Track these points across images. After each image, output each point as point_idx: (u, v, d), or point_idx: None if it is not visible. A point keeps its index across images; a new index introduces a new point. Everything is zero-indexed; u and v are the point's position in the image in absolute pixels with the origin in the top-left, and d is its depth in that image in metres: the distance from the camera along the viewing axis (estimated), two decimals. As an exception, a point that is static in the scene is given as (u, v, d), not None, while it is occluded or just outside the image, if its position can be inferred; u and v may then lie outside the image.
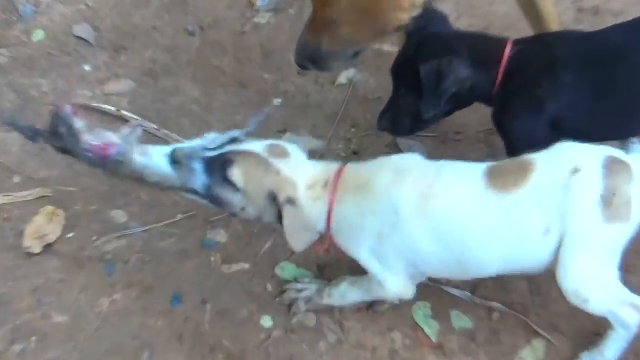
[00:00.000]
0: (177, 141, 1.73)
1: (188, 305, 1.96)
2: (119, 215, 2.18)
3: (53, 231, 2.12)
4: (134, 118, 2.40)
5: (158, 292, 1.99)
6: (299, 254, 1.99)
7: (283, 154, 1.62)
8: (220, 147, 1.62)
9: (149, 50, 2.73)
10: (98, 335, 1.90)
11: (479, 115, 1.99)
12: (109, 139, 1.58)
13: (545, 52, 1.79)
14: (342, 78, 2.54)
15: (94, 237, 2.11)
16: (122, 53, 2.72)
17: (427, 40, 1.83)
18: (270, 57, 2.66)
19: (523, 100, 1.79)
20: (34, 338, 1.89)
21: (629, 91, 1.74)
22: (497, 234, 1.56)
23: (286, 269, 2.00)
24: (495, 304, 1.87)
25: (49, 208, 2.18)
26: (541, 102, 1.76)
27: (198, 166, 1.57)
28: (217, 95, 2.54)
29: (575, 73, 1.74)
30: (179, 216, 2.16)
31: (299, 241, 1.60)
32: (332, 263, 1.97)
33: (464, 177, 1.60)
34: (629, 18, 1.83)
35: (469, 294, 1.89)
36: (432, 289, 1.90)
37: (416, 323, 1.87)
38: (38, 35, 2.78)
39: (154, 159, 1.58)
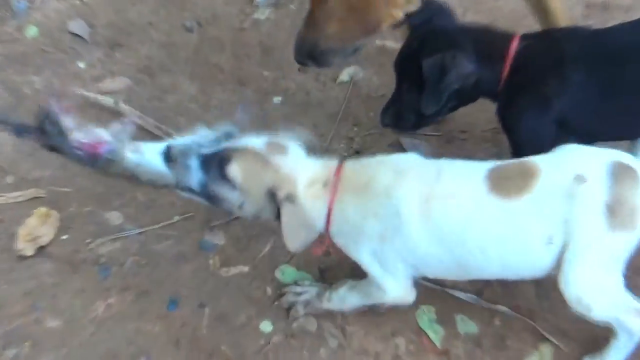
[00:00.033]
0: (172, 138, 1.72)
1: (185, 310, 1.95)
2: (114, 217, 2.17)
3: (47, 233, 2.11)
4: (133, 111, 2.40)
5: (154, 296, 1.98)
6: (300, 257, 1.99)
7: (282, 150, 1.61)
8: (215, 143, 1.61)
9: (145, 47, 2.72)
10: (93, 340, 1.90)
11: (486, 113, 1.99)
12: (100, 136, 1.56)
13: (554, 48, 1.79)
14: (344, 75, 2.54)
15: (89, 240, 2.11)
16: (117, 50, 2.72)
17: (431, 34, 1.83)
18: (270, 54, 2.66)
19: (529, 97, 1.79)
20: (27, 343, 1.89)
21: (639, 91, 1.74)
22: (498, 239, 1.56)
23: (286, 273, 1.99)
24: (502, 308, 1.87)
25: (43, 209, 2.18)
26: (548, 99, 1.76)
27: (194, 163, 1.56)
28: (216, 93, 2.54)
29: (584, 71, 1.74)
30: (176, 218, 2.16)
31: (296, 240, 1.60)
32: (334, 266, 1.97)
33: (465, 178, 1.60)
34: (640, 14, 1.82)
35: (475, 297, 1.89)
36: (437, 293, 1.90)
37: (420, 328, 1.86)
38: (31, 31, 2.78)
39: (147, 156, 1.57)
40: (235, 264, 2.04)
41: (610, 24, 1.88)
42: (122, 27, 2.80)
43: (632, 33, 1.78)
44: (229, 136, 1.64)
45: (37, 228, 2.12)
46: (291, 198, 1.56)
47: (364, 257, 1.65)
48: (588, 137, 1.63)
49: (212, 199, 1.62)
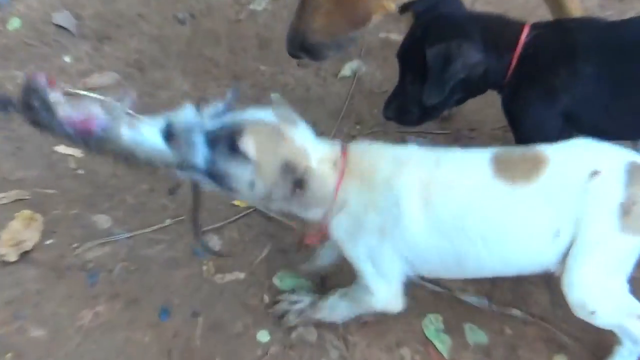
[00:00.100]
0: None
1: (178, 319, 1.95)
2: (102, 221, 2.17)
3: (30, 238, 2.11)
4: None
5: (145, 304, 1.98)
6: (297, 264, 1.98)
7: (292, 121, 1.59)
8: (215, 118, 1.56)
9: (135, 40, 2.73)
10: (79, 351, 1.89)
11: (495, 110, 1.99)
12: (92, 111, 1.50)
13: (565, 38, 1.79)
14: (346, 70, 2.54)
15: (75, 244, 2.11)
16: (105, 43, 2.72)
17: (436, 22, 1.83)
18: (268, 48, 2.66)
19: (537, 88, 1.80)
20: (9, 355, 1.89)
21: None
22: (501, 227, 1.56)
23: (285, 279, 1.99)
24: (516, 312, 1.87)
25: (26, 212, 2.18)
26: (556, 91, 1.77)
27: (199, 138, 1.51)
28: (210, 89, 2.54)
29: (596, 64, 1.74)
30: (168, 221, 2.16)
31: (318, 211, 1.60)
32: (337, 273, 1.96)
33: (467, 163, 1.61)
34: (659, 4, 1.83)
35: (486, 301, 1.89)
36: (444, 300, 1.90)
37: (427, 338, 1.86)
38: (14, 23, 2.79)
39: (145, 133, 1.52)
40: (231, 270, 2.04)
41: (628, 16, 1.88)
42: (110, 18, 2.80)
43: None
44: (229, 109, 1.58)
45: (20, 232, 2.12)
46: (310, 171, 1.54)
47: (359, 254, 1.65)
48: (594, 134, 1.63)
49: (219, 178, 1.56)
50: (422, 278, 1.89)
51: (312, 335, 1.88)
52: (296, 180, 1.52)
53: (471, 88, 1.88)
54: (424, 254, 1.62)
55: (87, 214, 2.19)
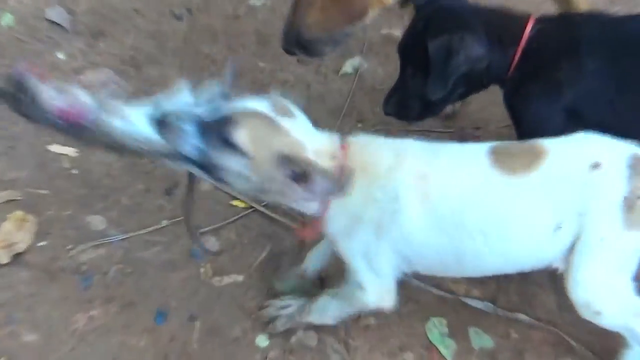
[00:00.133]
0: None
1: (174, 323, 1.95)
2: (96, 222, 2.17)
3: (23, 239, 2.11)
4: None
5: (141, 307, 1.98)
6: (297, 265, 1.99)
7: (289, 112, 1.57)
8: (209, 105, 1.54)
9: (130, 37, 2.73)
10: (73, 356, 1.89)
11: (501, 108, 1.99)
12: (79, 100, 1.50)
13: (571, 33, 1.80)
14: (347, 67, 2.54)
15: (69, 246, 2.11)
16: (100, 39, 2.72)
17: (437, 14, 1.84)
18: (267, 44, 2.66)
19: (540, 83, 1.80)
20: (1, 359, 1.89)
21: None
22: (500, 220, 1.56)
23: (284, 281, 1.99)
24: (521, 316, 1.87)
25: (19, 213, 2.18)
26: (560, 86, 1.78)
27: (191, 128, 1.49)
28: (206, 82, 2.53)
29: (601, 59, 1.75)
30: (164, 222, 2.16)
31: (316, 204, 1.59)
32: (337, 274, 1.96)
33: (466, 155, 1.61)
34: (670, 0, 1.83)
35: (491, 305, 1.89)
36: (448, 304, 1.90)
37: (431, 342, 1.86)
38: (6, 19, 2.78)
39: (134, 121, 1.51)
40: (229, 273, 2.04)
41: (637, 11, 1.88)
42: (104, 14, 2.80)
43: None
44: (224, 97, 1.57)
45: (12, 234, 2.12)
46: (311, 165, 1.51)
47: (353, 249, 1.65)
48: (599, 131, 1.63)
49: (210, 169, 1.54)
50: (425, 281, 1.90)
51: (312, 339, 1.88)
52: (296, 174, 1.51)
53: (474, 82, 1.88)
54: (422, 250, 1.62)
55: (81, 214, 2.19)
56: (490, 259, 1.61)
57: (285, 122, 1.53)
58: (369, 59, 2.54)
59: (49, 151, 2.31)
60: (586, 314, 1.57)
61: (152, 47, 2.69)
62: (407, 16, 1.98)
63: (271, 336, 1.90)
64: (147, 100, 1.53)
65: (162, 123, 1.49)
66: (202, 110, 1.52)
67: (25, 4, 2.83)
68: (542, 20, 1.83)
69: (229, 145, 1.49)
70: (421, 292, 1.88)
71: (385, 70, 2.50)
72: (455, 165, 1.59)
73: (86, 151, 2.28)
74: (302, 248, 2.01)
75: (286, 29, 1.89)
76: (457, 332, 1.87)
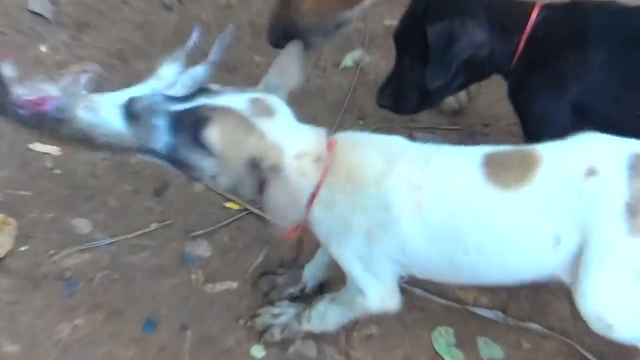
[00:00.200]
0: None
1: (164, 332, 1.95)
2: (81, 225, 2.17)
3: (3, 244, 2.11)
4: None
5: (128, 316, 1.98)
6: (295, 270, 1.98)
7: (269, 111, 1.57)
8: (187, 97, 1.55)
9: (117, 28, 2.72)
10: (57, 367, 1.90)
11: (510, 104, 1.99)
12: (46, 91, 1.51)
13: (577, 22, 1.81)
14: (348, 60, 2.54)
15: (52, 251, 2.10)
16: (85, 31, 2.72)
17: (437, 0, 1.83)
18: (262, 36, 2.64)
19: (545, 74, 1.81)
20: (-20, 371, 1.89)
21: None
22: (496, 236, 1.56)
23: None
24: (533, 325, 1.87)
25: (-2, 216, 2.18)
26: (564, 78, 1.78)
27: (162, 122, 1.50)
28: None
29: (608, 51, 1.75)
30: (154, 225, 2.16)
31: (288, 217, 1.56)
32: (336, 279, 1.96)
33: (458, 165, 1.60)
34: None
35: (501, 314, 1.89)
36: (455, 311, 1.89)
37: (437, 353, 1.86)
38: (-14, 10, 2.78)
39: (104, 113, 1.51)
40: (222, 279, 2.04)
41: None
42: (90, 4, 2.79)
43: None
44: (203, 90, 1.57)
45: (-8, 238, 2.12)
46: (277, 170, 1.52)
47: (346, 254, 1.65)
48: (606, 127, 1.63)
49: (180, 165, 1.57)
50: (431, 289, 1.90)
51: (311, 349, 1.87)
52: (260, 179, 1.51)
53: (474, 72, 1.89)
54: (417, 259, 1.62)
55: (65, 217, 2.18)
56: (488, 272, 1.62)
57: (262, 123, 1.53)
58: (371, 51, 2.54)
59: (31, 150, 2.31)
60: (598, 328, 1.56)
61: (140, 39, 2.68)
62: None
63: (267, 346, 1.89)
64: (121, 91, 1.54)
65: (132, 116, 1.50)
66: (175, 103, 1.52)
67: (6, -6, 2.83)
68: (548, 7, 1.83)
69: (199, 143, 1.50)
70: (426, 300, 1.88)
71: (388, 64, 2.47)
72: (448, 176, 1.58)
73: (70, 150, 2.27)
74: (300, 252, 2.01)
75: (273, 19, 1.89)
76: (465, 342, 1.87)
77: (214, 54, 1.70)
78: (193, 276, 2.05)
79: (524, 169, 1.53)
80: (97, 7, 2.79)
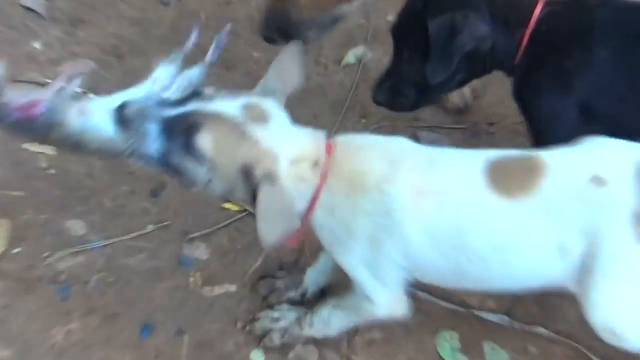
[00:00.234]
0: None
1: (161, 337, 1.95)
2: (76, 226, 2.17)
3: (-5, 246, 2.12)
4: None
5: (124, 320, 1.98)
6: (296, 273, 1.99)
7: (263, 117, 1.57)
8: (180, 102, 1.56)
9: (112, 24, 2.72)
10: (51, 373, 1.90)
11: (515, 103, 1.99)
12: (37, 95, 1.51)
13: (583, 17, 1.81)
14: (350, 57, 2.54)
15: (46, 253, 2.10)
16: (79, 27, 2.72)
17: None
18: (261, 32, 2.65)
19: (548, 72, 1.81)
20: (-28, 377, 1.89)
21: None
22: (499, 246, 1.56)
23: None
24: (541, 330, 1.87)
25: (-9, 217, 2.18)
26: (569, 77, 1.78)
27: (153, 128, 1.51)
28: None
29: (614, 48, 1.75)
30: (150, 227, 2.16)
31: (273, 231, 1.53)
32: (339, 284, 1.96)
33: (461, 170, 1.60)
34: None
35: (507, 318, 1.89)
36: (460, 315, 1.89)
37: (441, 358, 1.86)
38: (-23, 5, 2.78)
39: (95, 118, 1.52)
40: (221, 282, 2.04)
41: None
42: (84, 0, 2.80)
43: None
44: (196, 94, 1.58)
45: (-16, 240, 2.12)
46: (271, 178, 1.52)
47: (350, 260, 1.65)
48: (612, 129, 1.63)
49: (173, 172, 1.58)
50: (435, 292, 1.90)
51: (312, 355, 1.87)
52: (254, 186, 1.52)
53: (475, 67, 1.89)
54: (420, 264, 1.62)
55: (59, 218, 2.18)
56: (492, 280, 1.63)
57: (255, 129, 1.53)
58: (374, 48, 2.54)
59: (25, 149, 2.30)
60: (608, 338, 1.56)
61: (136, 36, 2.68)
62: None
63: (267, 351, 1.89)
64: (114, 94, 1.54)
65: (123, 122, 1.50)
66: (168, 108, 1.53)
67: (-2, -11, 2.83)
68: (552, 2, 1.83)
69: (192, 149, 1.51)
70: (430, 303, 1.88)
71: (391, 61, 2.49)
72: (451, 183, 1.58)
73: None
74: (301, 255, 2.01)
75: (267, 13, 1.89)
76: (470, 347, 1.87)
77: (210, 54, 1.70)
78: (190, 279, 2.05)
79: (528, 176, 1.53)
80: (92, 3, 2.79)
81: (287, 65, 1.69)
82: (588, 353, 1.83)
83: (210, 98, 1.56)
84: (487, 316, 1.90)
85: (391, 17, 2.56)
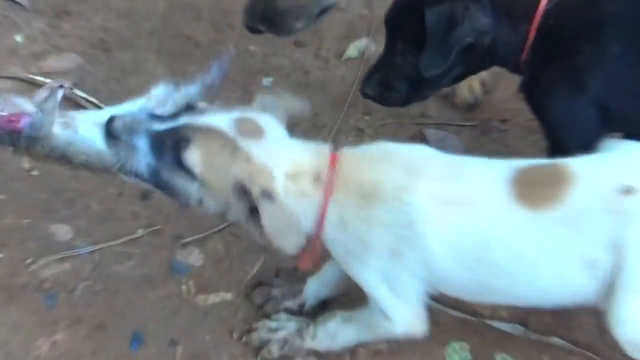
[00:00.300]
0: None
1: (152, 348, 1.95)
2: (61, 231, 2.17)
3: (-24, 252, 2.12)
4: (92, 102, 2.40)
5: (113, 330, 1.98)
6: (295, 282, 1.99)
7: (256, 132, 1.58)
8: (172, 116, 1.58)
9: (99, 16, 2.72)
10: (35, 387, 1.90)
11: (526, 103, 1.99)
12: (21, 107, 1.53)
13: (593, 10, 1.79)
14: (352, 50, 2.54)
15: (29, 260, 2.11)
16: (65, 19, 2.72)
17: None
18: (258, 24, 2.66)
19: (559, 69, 1.80)
20: (-48, 392, 1.90)
21: None
22: (526, 260, 1.56)
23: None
24: (556, 340, 1.87)
25: (-29, 222, 2.18)
26: (581, 73, 1.77)
27: (142, 143, 1.53)
28: (189, 73, 2.53)
29: (625, 41, 1.74)
30: (140, 232, 2.16)
31: (288, 242, 1.56)
32: (343, 297, 1.96)
33: (486, 181, 1.60)
34: None
35: (521, 328, 1.89)
36: (471, 325, 1.89)
37: (451, 370, 1.87)
38: (-44, -3, 2.79)
39: (82, 132, 1.55)
40: (215, 290, 2.04)
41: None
42: (70, -10, 2.80)
43: None
44: (190, 108, 1.60)
45: (-37, 245, 2.12)
46: (268, 195, 1.53)
47: (366, 275, 1.65)
48: (632, 129, 1.63)
49: (165, 189, 1.60)
50: (443, 302, 1.90)
51: (312, 367, 1.88)
52: (252, 205, 1.53)
53: (473, 62, 1.88)
54: (443, 277, 1.62)
55: (43, 223, 2.19)
56: (519, 295, 1.63)
57: (248, 144, 1.54)
58: (377, 40, 2.53)
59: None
60: (633, 353, 1.57)
61: (124, 28, 2.69)
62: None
63: (264, 363, 1.90)
64: (103, 106, 1.56)
65: (112, 134, 1.52)
66: (158, 122, 1.55)
67: (-22, -21, 2.83)
68: None
69: (182, 166, 1.53)
70: (440, 313, 1.88)
71: (396, 54, 2.49)
72: (475, 194, 1.58)
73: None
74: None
75: (251, 1, 1.89)
76: (481, 359, 1.87)
77: (210, 77, 1.71)
78: (183, 287, 2.05)
79: (555, 186, 1.53)
80: (78, -7, 2.79)
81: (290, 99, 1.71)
82: (604, 364, 1.83)
83: (202, 112, 1.58)
84: (500, 326, 1.90)
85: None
